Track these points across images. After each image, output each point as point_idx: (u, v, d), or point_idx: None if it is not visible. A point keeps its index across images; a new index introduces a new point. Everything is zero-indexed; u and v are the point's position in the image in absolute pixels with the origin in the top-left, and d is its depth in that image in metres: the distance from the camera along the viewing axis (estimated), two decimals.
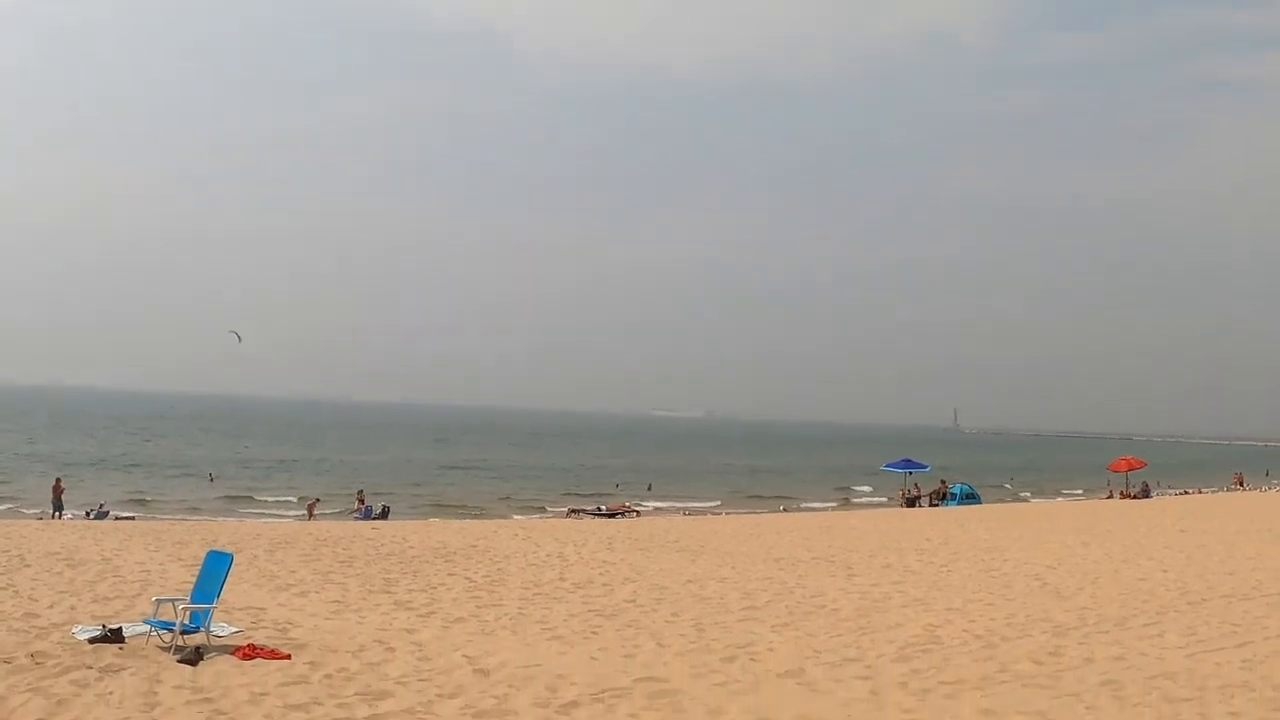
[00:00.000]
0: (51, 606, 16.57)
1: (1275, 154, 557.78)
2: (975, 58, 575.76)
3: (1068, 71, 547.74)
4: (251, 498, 59.94)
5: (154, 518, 43.88)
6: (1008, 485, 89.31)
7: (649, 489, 72.77)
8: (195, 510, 51.30)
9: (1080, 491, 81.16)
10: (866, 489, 77.74)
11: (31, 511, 45.86)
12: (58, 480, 46.70)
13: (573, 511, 53.10)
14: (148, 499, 55.67)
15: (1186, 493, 73.93)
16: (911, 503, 58.38)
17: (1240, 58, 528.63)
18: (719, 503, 65.30)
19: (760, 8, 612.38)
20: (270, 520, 43.77)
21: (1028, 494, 79.94)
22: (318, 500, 49.86)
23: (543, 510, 57.21)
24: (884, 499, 65.87)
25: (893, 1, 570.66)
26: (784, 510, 57.16)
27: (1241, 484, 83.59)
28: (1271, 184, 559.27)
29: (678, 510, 57.53)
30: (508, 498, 65.71)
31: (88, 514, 41.72)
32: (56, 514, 41.97)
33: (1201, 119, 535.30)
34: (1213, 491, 77.23)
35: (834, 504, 66.47)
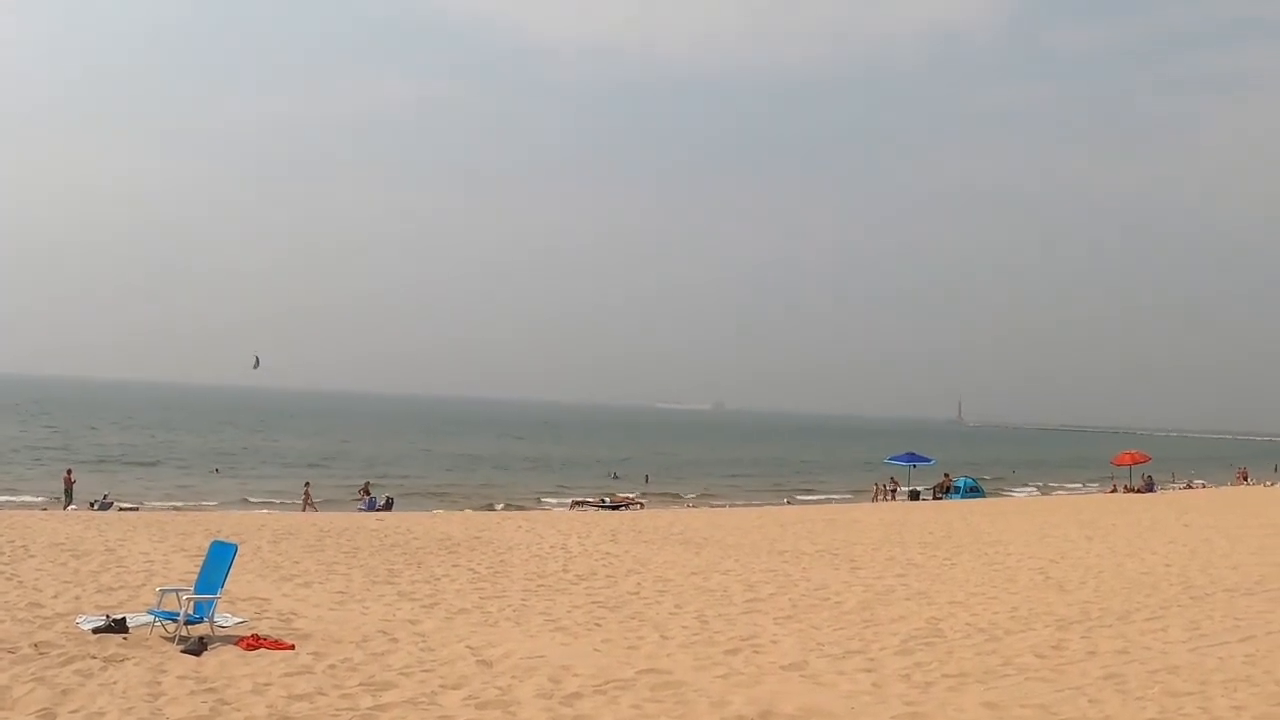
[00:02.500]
0: (56, 597, 16.61)
1: (1273, 149, 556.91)
2: (978, 51, 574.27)
3: (1068, 64, 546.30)
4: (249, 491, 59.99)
5: (158, 508, 44.00)
6: (1011, 473, 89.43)
7: (646, 480, 72.84)
8: (200, 500, 51.38)
9: (1084, 485, 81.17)
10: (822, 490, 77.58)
11: (36, 500, 46.05)
12: (69, 471, 46.87)
13: (576, 503, 53.10)
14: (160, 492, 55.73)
15: (1190, 487, 73.89)
16: (891, 495, 58.85)
17: (1242, 49, 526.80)
18: (723, 495, 65.28)
19: (755, 4, 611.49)
20: (274, 511, 43.83)
21: (1032, 488, 79.86)
22: (309, 484, 49.87)
23: (546, 501, 57.24)
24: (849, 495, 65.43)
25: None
26: (787, 503, 57.19)
27: (1246, 479, 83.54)
28: (1269, 178, 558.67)
29: (682, 502, 57.58)
30: (509, 488, 65.76)
31: (92, 505, 41.80)
32: (67, 505, 42.15)
33: (1206, 111, 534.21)
34: (1217, 486, 77.19)
35: (839, 496, 66.43)
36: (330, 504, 47.74)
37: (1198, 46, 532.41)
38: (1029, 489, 78.24)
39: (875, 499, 58.80)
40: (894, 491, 60.01)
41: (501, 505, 53.35)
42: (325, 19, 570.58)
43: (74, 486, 44.52)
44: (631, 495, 56.95)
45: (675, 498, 61.94)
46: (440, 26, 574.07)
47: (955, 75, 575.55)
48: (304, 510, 43.75)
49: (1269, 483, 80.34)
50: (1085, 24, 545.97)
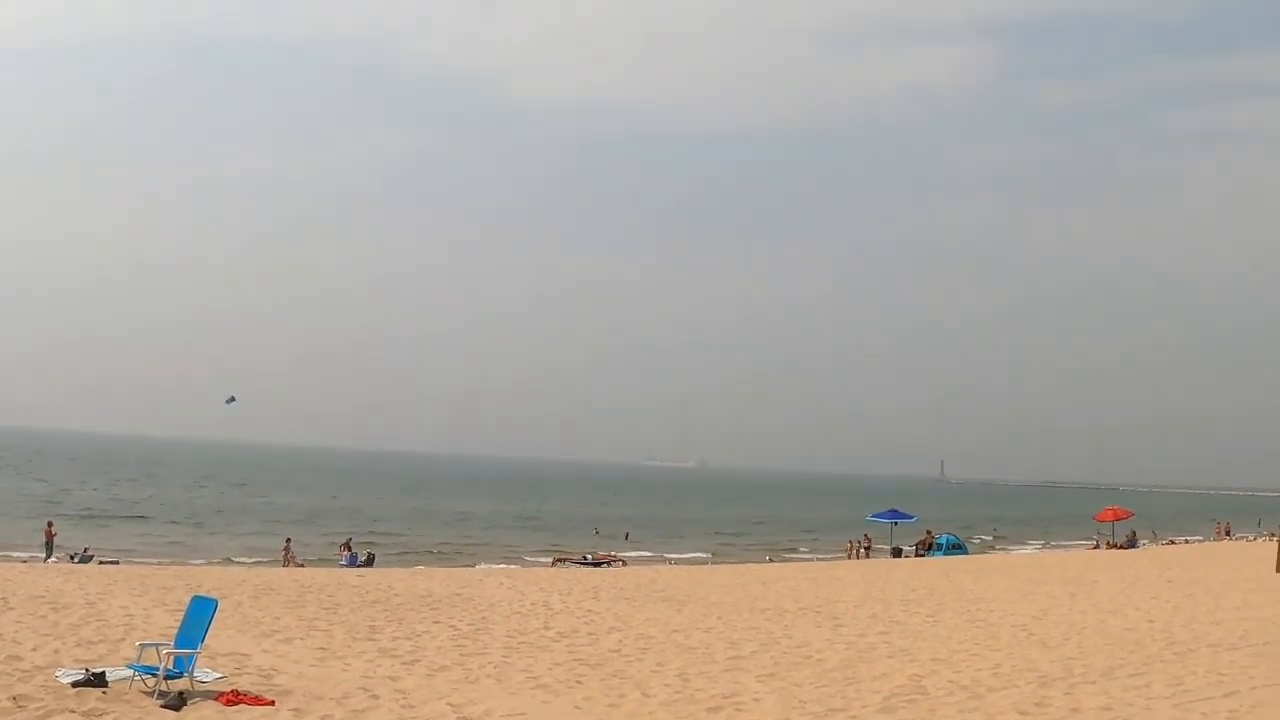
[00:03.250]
0: (35, 650, 16.48)
1: (1258, 201, 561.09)
2: (958, 111, 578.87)
3: (1051, 122, 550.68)
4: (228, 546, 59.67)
5: (139, 562, 43.74)
6: (992, 534, 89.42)
7: (626, 538, 72.74)
8: (182, 555, 51.07)
9: (1067, 541, 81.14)
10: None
11: (18, 555, 45.71)
12: (49, 524, 46.60)
13: (558, 560, 52.93)
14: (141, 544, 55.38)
15: (1173, 542, 73.95)
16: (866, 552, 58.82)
17: (1224, 105, 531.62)
18: (706, 553, 65.09)
19: (733, 58, 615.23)
20: (255, 566, 43.59)
21: (1015, 544, 79.80)
22: (289, 540, 49.73)
23: (527, 558, 57.01)
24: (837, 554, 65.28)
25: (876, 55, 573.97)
26: (770, 561, 57.05)
27: (1227, 533, 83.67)
28: (1254, 232, 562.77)
29: (663, 560, 57.40)
30: (492, 545, 65.51)
31: (72, 558, 41.58)
32: (47, 557, 41.91)
33: (1187, 169, 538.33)
34: (1199, 541, 77.28)
35: (820, 555, 66.30)
36: (315, 560, 47.54)
37: (1182, 105, 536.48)
38: (1012, 545, 78.19)
39: (850, 556, 58.71)
40: (868, 549, 59.95)
41: (483, 562, 53.10)
42: (310, 78, 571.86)
43: (55, 539, 44.27)
44: (613, 552, 56.78)
45: (657, 555, 61.70)
46: (430, 83, 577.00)
47: (935, 135, 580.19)
48: (285, 566, 43.57)
49: (1251, 537, 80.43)
50: (1067, 83, 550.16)
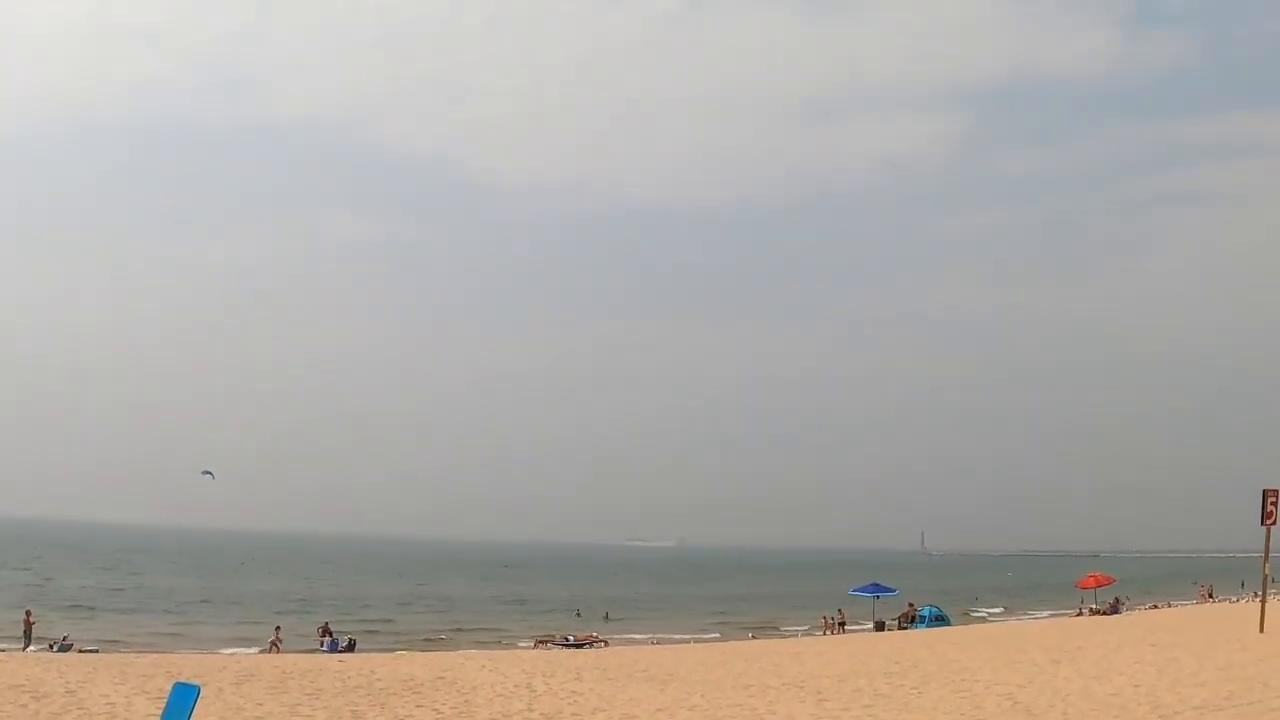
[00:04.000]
0: None
1: (1228, 267, 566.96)
2: (926, 179, 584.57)
3: (1019, 190, 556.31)
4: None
5: (119, 650, 43.33)
6: (976, 604, 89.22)
7: (606, 618, 72.45)
8: (162, 643, 50.63)
9: (1050, 609, 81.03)
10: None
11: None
12: (27, 612, 46.27)
13: (540, 642, 52.63)
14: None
15: (1156, 607, 73.96)
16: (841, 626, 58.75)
17: (1191, 169, 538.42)
18: (688, 632, 64.80)
19: (700, 134, 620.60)
20: (236, 654, 43.17)
21: (998, 614, 79.65)
22: (279, 628, 49.42)
23: (510, 641, 56.66)
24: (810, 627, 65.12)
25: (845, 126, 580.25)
26: (753, 637, 56.81)
27: (1210, 595, 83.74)
28: (1228, 293, 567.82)
29: (646, 639, 57.09)
30: (475, 629, 65.08)
31: (51, 646, 41.22)
32: (26, 646, 41.60)
33: (1157, 234, 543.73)
34: (1183, 604, 77.26)
35: (803, 629, 66.05)
36: (295, 647, 47.16)
37: (1149, 170, 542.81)
38: (995, 615, 78.03)
39: (825, 632, 58.53)
40: (842, 624, 59.81)
41: (465, 645, 52.75)
42: (273, 161, 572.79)
43: (33, 628, 43.98)
44: (595, 633, 56.49)
45: (640, 635, 61.36)
46: (393, 164, 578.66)
47: (904, 204, 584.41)
48: (270, 652, 43.22)
49: (1234, 598, 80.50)
50: (1035, 148, 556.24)
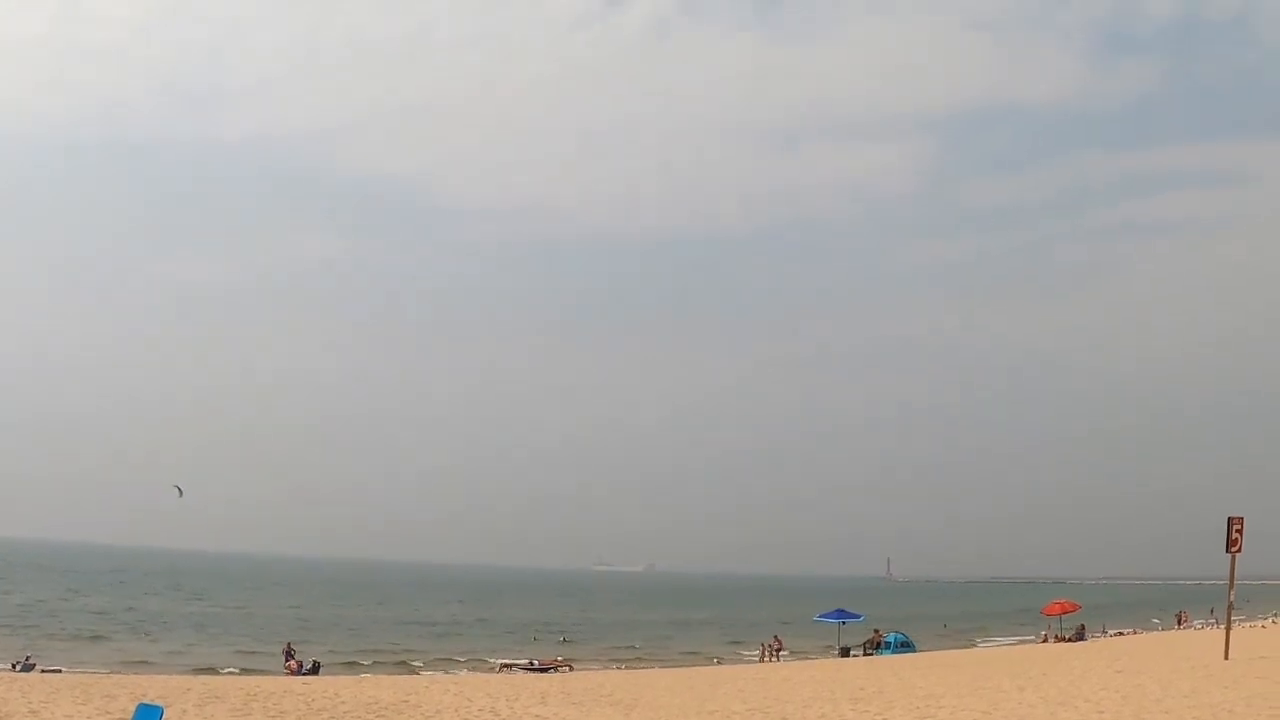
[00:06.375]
0: None
1: (1197, 295, 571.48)
2: (892, 207, 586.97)
3: (988, 218, 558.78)
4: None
5: (82, 671, 42.74)
6: (943, 629, 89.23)
7: (562, 640, 72.44)
8: (126, 664, 50.01)
9: (1015, 637, 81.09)
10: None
11: None
12: None
13: (504, 666, 52.28)
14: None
15: (1122, 634, 74.10)
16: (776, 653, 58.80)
17: (1158, 198, 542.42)
18: (653, 656, 64.52)
19: (673, 161, 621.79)
20: (200, 674, 42.66)
21: (963, 641, 79.66)
22: (290, 644, 49.24)
23: (474, 664, 56.28)
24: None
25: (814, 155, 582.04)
26: (718, 663, 56.59)
27: (1184, 621, 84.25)
28: (1200, 327, 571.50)
29: (611, 664, 56.80)
30: (439, 653, 64.60)
31: (13, 666, 40.70)
32: None
33: (1125, 262, 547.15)
34: (1153, 629, 77.54)
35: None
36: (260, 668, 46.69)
37: (1117, 196, 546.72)
38: (960, 642, 78.01)
39: (762, 659, 58.31)
40: (778, 651, 59.61)
41: (429, 668, 52.36)
42: (240, 180, 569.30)
43: None
44: (559, 657, 56.15)
45: (604, 659, 61.06)
46: (355, 187, 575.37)
47: (869, 231, 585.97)
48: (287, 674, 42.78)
49: (1200, 624, 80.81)
50: (1003, 180, 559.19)
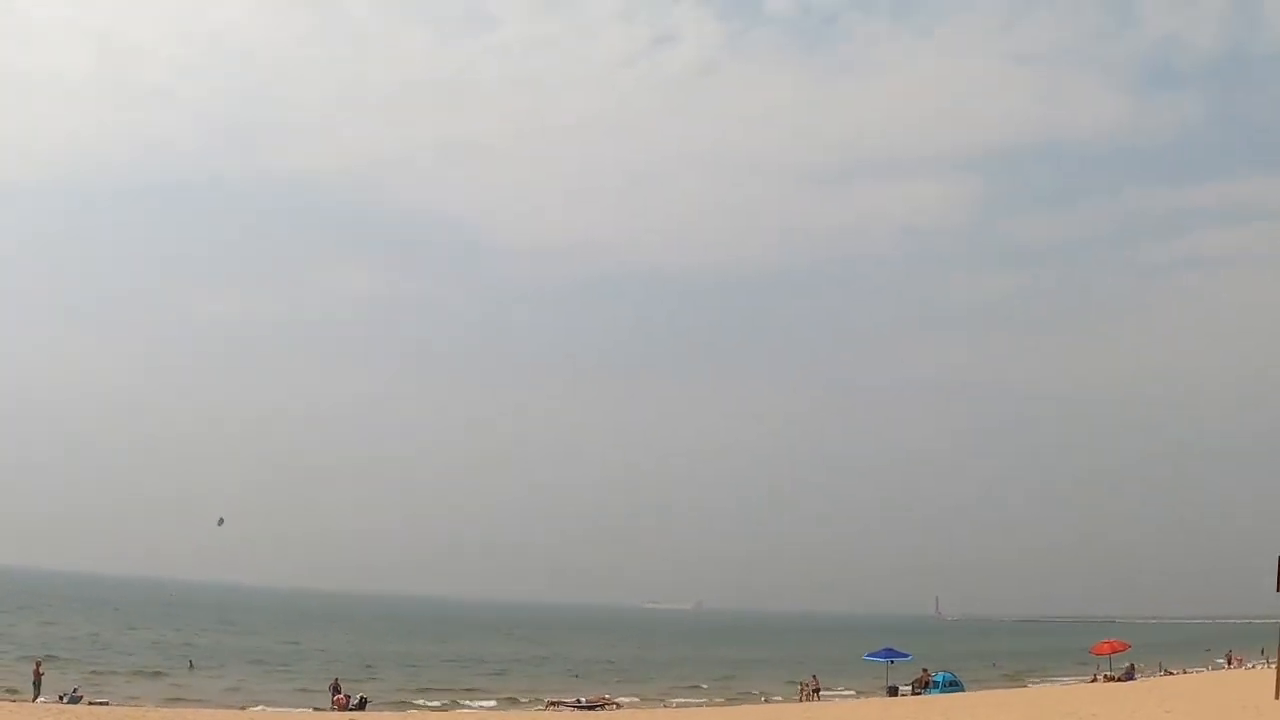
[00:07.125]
0: None
1: (1246, 331, 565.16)
2: (937, 243, 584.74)
3: (1039, 255, 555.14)
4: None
5: (131, 704, 43.24)
6: (992, 668, 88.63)
7: (616, 680, 72.63)
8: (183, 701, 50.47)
9: (1065, 676, 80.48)
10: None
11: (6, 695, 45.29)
12: (37, 664, 46.30)
13: (552, 704, 52.47)
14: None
15: (1171, 674, 73.43)
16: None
17: (1211, 233, 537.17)
18: (700, 695, 64.48)
19: (716, 200, 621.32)
20: (251, 710, 43.05)
21: (1013, 680, 79.13)
22: (337, 679, 49.58)
23: (522, 701, 56.45)
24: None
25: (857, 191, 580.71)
26: (765, 702, 56.57)
27: (1235, 661, 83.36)
28: (1241, 362, 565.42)
29: (658, 702, 56.87)
30: (488, 687, 64.82)
31: (60, 698, 41.29)
32: (36, 697, 41.72)
33: (1176, 298, 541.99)
34: (1198, 671, 76.74)
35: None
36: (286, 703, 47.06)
37: (1167, 232, 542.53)
38: (1010, 681, 77.51)
39: (801, 699, 58.06)
40: (817, 690, 59.36)
41: (478, 705, 52.62)
42: (290, 220, 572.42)
43: (43, 679, 44.03)
44: (607, 695, 56.32)
45: (651, 698, 61.11)
46: (399, 221, 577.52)
47: (914, 267, 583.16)
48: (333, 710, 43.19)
49: (1251, 664, 79.95)
50: (1047, 216, 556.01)
